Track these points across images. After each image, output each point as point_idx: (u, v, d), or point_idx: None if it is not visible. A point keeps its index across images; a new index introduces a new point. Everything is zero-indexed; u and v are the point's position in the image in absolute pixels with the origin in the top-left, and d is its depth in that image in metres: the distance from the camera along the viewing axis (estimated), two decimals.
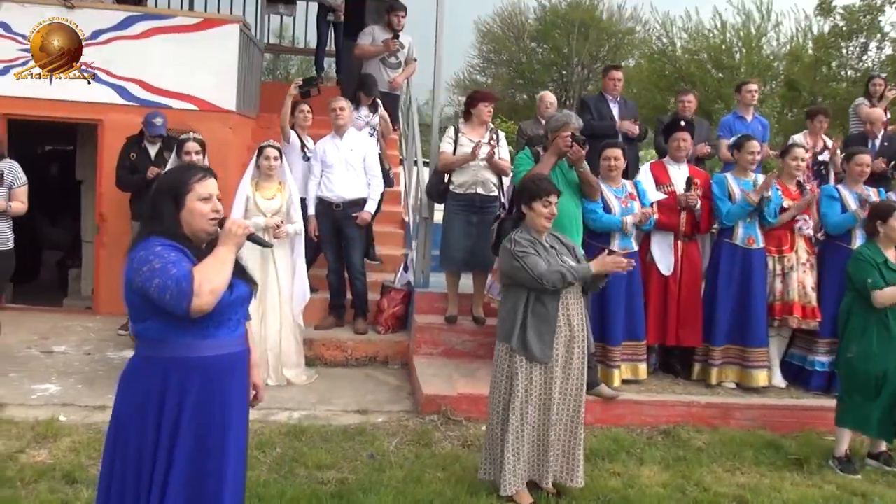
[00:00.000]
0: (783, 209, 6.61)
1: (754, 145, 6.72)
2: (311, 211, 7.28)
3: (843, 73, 26.00)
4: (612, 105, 8.45)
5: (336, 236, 7.29)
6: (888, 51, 26.13)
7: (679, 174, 6.69)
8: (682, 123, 6.86)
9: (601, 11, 35.60)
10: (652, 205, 6.41)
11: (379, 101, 8.27)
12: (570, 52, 36.00)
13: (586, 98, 8.60)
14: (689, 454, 5.58)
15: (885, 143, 8.53)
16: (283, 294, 6.49)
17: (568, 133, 5.70)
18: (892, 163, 8.21)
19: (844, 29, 26.11)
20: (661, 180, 6.70)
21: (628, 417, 6.10)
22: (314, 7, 11.74)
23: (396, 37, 9.07)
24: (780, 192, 6.66)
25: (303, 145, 7.70)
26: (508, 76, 36.63)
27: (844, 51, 26.61)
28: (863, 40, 26.17)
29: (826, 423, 5.93)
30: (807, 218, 6.59)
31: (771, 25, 29.48)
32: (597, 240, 6.23)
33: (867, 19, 25.36)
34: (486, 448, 4.74)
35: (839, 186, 6.80)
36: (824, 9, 26.60)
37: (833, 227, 6.61)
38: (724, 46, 29.92)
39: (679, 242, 6.61)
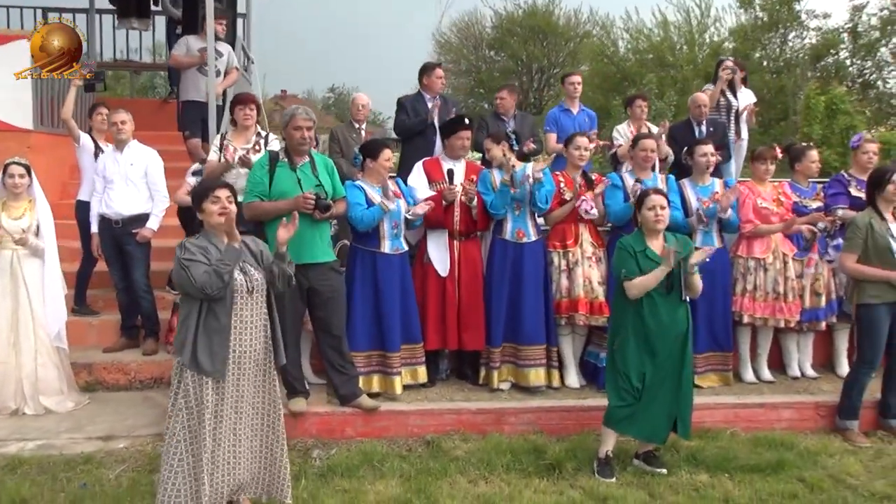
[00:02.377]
0: (563, 201, 6.33)
1: (581, 141, 6.52)
2: (94, 228, 6.97)
3: (764, 63, 25.92)
4: (429, 104, 8.13)
5: (119, 253, 6.96)
6: (812, 39, 26.11)
7: (457, 167, 6.39)
8: (467, 122, 6.53)
9: (558, 17, 35.49)
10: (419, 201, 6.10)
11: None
12: (528, 58, 36.02)
13: (402, 99, 8.27)
14: (440, 465, 5.25)
15: (711, 129, 8.28)
16: (37, 318, 6.13)
17: (310, 196, 5.37)
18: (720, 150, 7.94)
19: (765, 20, 26.15)
20: (434, 177, 6.40)
21: (393, 429, 5.77)
22: None
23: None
24: (562, 182, 6.39)
25: (97, 148, 7.41)
26: (468, 86, 36.62)
27: (766, 42, 26.63)
28: (782, 30, 26.16)
29: None
30: (586, 198, 6.27)
31: (711, 21, 29.52)
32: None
33: (784, 9, 25.35)
34: (164, 471, 4.33)
35: (624, 174, 6.54)
36: (744, 1, 26.67)
37: (614, 216, 6.34)
38: (665, 45, 29.92)
39: (455, 241, 6.29)
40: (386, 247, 5.96)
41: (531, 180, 6.01)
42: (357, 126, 8.05)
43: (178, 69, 9.03)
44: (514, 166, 6.15)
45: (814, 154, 6.84)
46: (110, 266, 7.06)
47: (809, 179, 6.96)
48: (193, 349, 4.18)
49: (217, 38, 8.83)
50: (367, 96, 8.25)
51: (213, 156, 6.64)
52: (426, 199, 6.13)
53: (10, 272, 6.10)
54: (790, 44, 26.11)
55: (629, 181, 6.40)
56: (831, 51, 25.02)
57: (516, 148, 6.64)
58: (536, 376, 6.19)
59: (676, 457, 5.46)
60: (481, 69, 36.91)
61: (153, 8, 12.02)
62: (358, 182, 6.05)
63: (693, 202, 6.45)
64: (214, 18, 8.74)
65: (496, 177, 6.27)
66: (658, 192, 5.29)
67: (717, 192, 6.46)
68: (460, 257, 6.29)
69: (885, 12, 23.98)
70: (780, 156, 6.76)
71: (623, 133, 8.30)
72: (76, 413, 6.17)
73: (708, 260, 5.26)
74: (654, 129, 8.23)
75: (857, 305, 5.87)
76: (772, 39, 26.64)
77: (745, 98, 9.34)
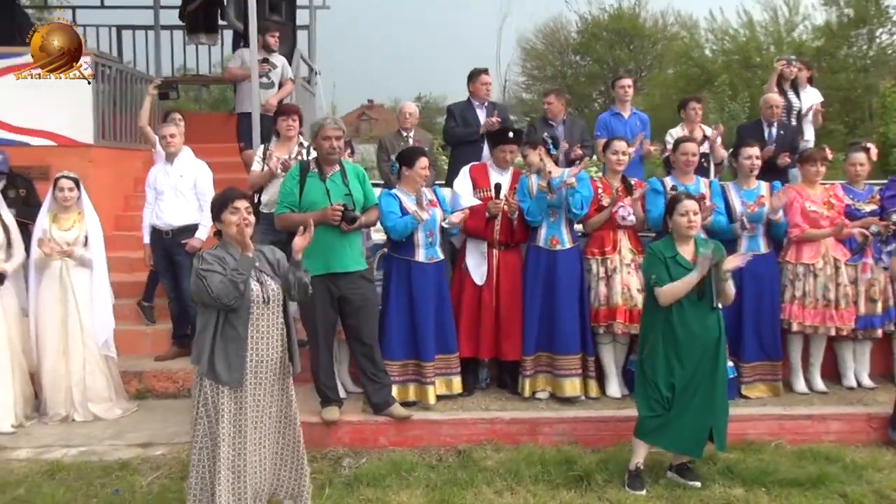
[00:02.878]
0: (601, 207, 6.22)
1: (618, 146, 6.38)
2: (146, 239, 7.17)
3: (850, 61, 25.05)
4: (478, 111, 8.12)
5: (170, 264, 7.12)
6: None
7: (502, 180, 6.33)
8: (511, 134, 6.46)
9: (644, 19, 35.07)
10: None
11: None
12: (615, 62, 35.71)
13: (451, 107, 8.27)
14: (468, 475, 5.20)
15: (781, 132, 8.03)
16: (85, 328, 6.33)
17: (338, 208, 5.41)
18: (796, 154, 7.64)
19: (852, 16, 25.30)
20: (479, 184, 6.37)
21: (426, 438, 5.75)
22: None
23: (266, 60, 8.93)
24: (600, 187, 6.29)
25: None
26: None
27: (853, 39, 25.74)
28: (870, 27, 25.26)
29: None
30: (624, 204, 6.14)
31: (799, 19, 28.78)
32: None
33: (871, 4, 24.47)
34: (192, 478, 4.43)
35: (666, 179, 6.38)
36: None
37: (653, 221, 6.20)
38: (752, 45, 29.31)
39: (494, 251, 6.24)
40: (421, 256, 5.95)
41: (566, 186, 5.92)
42: (405, 134, 8.07)
43: (233, 82, 9.21)
44: (550, 172, 6.09)
45: (857, 156, 6.53)
46: (162, 276, 7.24)
47: (865, 182, 6.68)
48: (211, 359, 4.24)
49: (271, 50, 9.01)
50: (415, 105, 8.28)
51: (256, 166, 6.74)
52: (464, 209, 6.08)
53: (59, 282, 6.31)
54: (878, 40, 25.11)
55: (671, 186, 6.25)
56: None
57: (555, 153, 6.54)
58: (572, 386, 6.09)
59: (713, 469, 5.29)
60: (567, 74, 36.63)
61: (220, 22, 12.31)
62: (394, 190, 6.06)
63: (738, 207, 6.25)
64: (267, 31, 8.97)
65: (534, 183, 6.21)
66: (690, 197, 5.15)
67: (763, 196, 6.25)
68: (499, 267, 6.24)
69: None
70: (829, 157, 6.50)
71: (676, 136, 8.10)
72: (122, 420, 6.35)
73: (743, 265, 5.11)
74: (710, 133, 8.04)
75: None
76: (860, 36, 25.72)
77: (811, 98, 9.07)
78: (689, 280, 4.83)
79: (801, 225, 6.26)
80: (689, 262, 4.94)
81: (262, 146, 6.95)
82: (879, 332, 6.39)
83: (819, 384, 6.46)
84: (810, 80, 9.24)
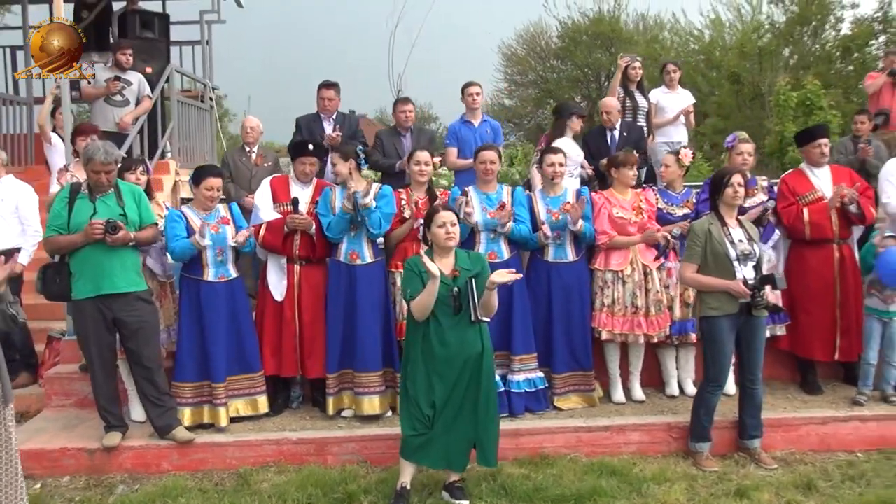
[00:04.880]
0: (403, 219, 6.09)
1: (420, 156, 6.23)
2: None
3: (792, 61, 24.96)
4: (324, 123, 7.97)
5: None
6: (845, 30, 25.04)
7: (302, 194, 6.19)
8: (310, 147, 6.32)
9: (625, 23, 35.00)
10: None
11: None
12: (595, 66, 35.59)
13: (299, 119, 8.12)
14: (238, 500, 5.04)
15: (625, 134, 7.91)
16: None
17: (99, 223, 5.25)
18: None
19: (797, 13, 25.19)
20: (279, 198, 6.23)
21: (210, 461, 5.60)
22: None
23: (118, 78, 8.82)
24: (403, 199, 6.16)
25: None
26: (536, 96, 36.13)
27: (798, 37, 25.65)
28: (814, 24, 25.17)
29: None
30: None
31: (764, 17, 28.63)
32: None
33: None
34: None
35: (469, 188, 6.23)
36: None
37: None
38: (716, 45, 29.18)
39: (295, 266, 6.10)
40: (210, 275, 5.82)
41: (362, 207, 5.79)
42: (247, 149, 7.90)
43: (86, 102, 9.09)
44: (352, 188, 5.90)
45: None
46: None
47: (684, 184, 6.57)
48: None
49: (123, 68, 8.90)
50: (256, 119, 8.09)
51: (53, 188, 6.62)
52: (248, 228, 5.96)
53: None
54: (822, 38, 25.02)
55: (473, 196, 6.10)
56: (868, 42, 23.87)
57: (365, 165, 6.40)
58: (370, 405, 5.93)
59: (490, 486, 5.12)
60: (549, 79, 36.46)
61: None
62: (184, 208, 5.94)
63: (542, 214, 6.12)
64: (119, 49, 8.84)
65: (338, 197, 6.06)
66: (448, 208, 5.02)
67: (568, 203, 6.12)
68: (301, 282, 6.09)
69: None
70: (637, 161, 6.38)
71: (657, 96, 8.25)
72: None
73: (510, 283, 5.00)
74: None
75: (700, 319, 5.47)
76: (805, 34, 25.65)
77: (684, 100, 9.00)
78: (430, 289, 4.68)
79: (608, 232, 6.13)
80: (446, 276, 4.80)
81: (63, 165, 6.82)
82: (693, 337, 6.23)
83: (638, 393, 6.34)
84: (680, 81, 9.17)
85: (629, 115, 8.57)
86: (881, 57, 9.79)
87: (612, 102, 8.03)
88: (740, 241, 5.30)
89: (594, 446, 5.68)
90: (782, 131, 13.92)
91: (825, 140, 6.36)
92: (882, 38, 23.80)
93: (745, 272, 5.25)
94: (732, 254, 5.25)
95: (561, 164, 6.17)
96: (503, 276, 4.76)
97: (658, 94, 9.04)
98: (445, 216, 4.88)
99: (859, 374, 6.18)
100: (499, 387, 5.82)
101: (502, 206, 6.00)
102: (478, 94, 8.19)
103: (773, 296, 5.24)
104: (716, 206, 5.45)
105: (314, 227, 6.01)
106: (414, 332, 4.90)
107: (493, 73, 37.20)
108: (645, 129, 8.41)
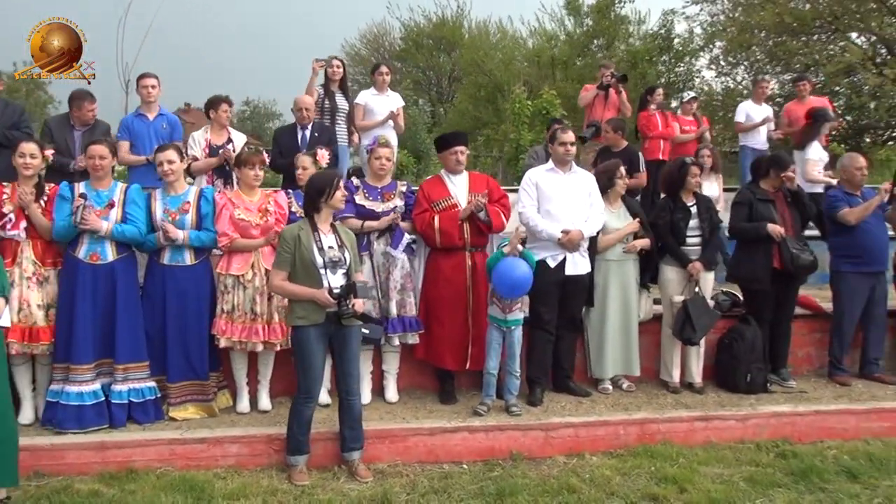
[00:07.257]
0: None
1: (26, 146, 5.75)
2: None
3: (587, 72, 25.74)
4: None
5: None
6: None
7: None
8: None
9: (468, 28, 35.09)
10: None
11: None
12: (436, 69, 35.57)
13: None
14: None
15: (316, 134, 7.80)
16: None
17: None
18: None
19: (593, 26, 25.98)
20: None
21: None
22: None
23: None
24: (6, 194, 5.69)
25: None
26: None
27: (593, 50, 26.48)
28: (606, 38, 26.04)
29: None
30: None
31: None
32: None
33: (608, 14, 25.18)
34: None
35: (79, 185, 5.85)
36: (573, 8, 26.46)
37: (57, 232, 5.71)
38: (545, 52, 29.49)
39: None
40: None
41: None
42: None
43: None
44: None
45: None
46: None
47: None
48: None
49: None
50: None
51: None
52: None
53: None
54: (614, 51, 25.92)
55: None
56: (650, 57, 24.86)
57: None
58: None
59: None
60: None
61: None
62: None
63: (159, 215, 5.81)
64: None
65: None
66: None
67: (189, 203, 5.84)
68: None
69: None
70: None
71: (198, 141, 7.61)
72: None
73: None
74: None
75: (292, 328, 5.29)
76: (598, 47, 26.52)
77: (393, 102, 8.97)
78: None
79: (228, 234, 5.87)
80: None
81: None
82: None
83: (266, 403, 6.12)
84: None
85: (327, 117, 8.44)
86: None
87: (305, 100, 7.85)
88: (330, 247, 5.14)
89: (189, 459, 5.40)
90: (517, 139, 14.22)
91: (461, 147, 6.37)
92: (665, 57, 24.86)
93: (333, 280, 5.09)
94: (319, 261, 5.08)
95: (170, 162, 5.87)
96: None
97: (367, 97, 8.97)
98: None
99: (482, 384, 6.17)
100: (98, 397, 5.52)
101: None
102: (153, 86, 7.78)
103: (360, 304, 5.09)
104: (310, 211, 5.26)
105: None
106: None
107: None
108: (343, 131, 8.38)
